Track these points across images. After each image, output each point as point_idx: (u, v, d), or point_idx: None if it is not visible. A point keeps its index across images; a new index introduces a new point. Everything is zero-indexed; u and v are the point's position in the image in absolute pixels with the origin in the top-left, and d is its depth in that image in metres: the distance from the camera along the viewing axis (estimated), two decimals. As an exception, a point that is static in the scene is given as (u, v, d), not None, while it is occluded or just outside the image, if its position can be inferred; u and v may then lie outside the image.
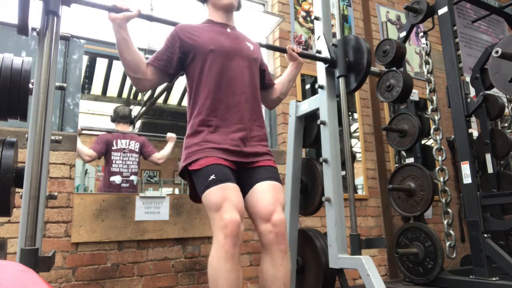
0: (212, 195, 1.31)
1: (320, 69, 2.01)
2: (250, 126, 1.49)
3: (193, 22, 1.61)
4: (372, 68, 1.95)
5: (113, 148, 2.76)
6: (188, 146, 1.45)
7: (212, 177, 1.33)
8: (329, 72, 1.97)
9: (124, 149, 2.79)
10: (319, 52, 2.00)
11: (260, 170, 1.47)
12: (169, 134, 3.00)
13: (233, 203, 1.29)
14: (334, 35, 2.08)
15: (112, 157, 2.74)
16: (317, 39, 2.04)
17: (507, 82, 1.88)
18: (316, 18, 2.08)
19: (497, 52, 1.65)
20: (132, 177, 2.78)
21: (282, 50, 1.99)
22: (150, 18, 1.55)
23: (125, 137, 2.83)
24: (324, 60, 1.96)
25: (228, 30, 1.60)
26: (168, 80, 1.57)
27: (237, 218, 1.25)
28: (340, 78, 1.91)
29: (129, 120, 3.02)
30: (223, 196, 1.29)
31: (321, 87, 1.99)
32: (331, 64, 1.95)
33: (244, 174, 1.46)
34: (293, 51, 1.81)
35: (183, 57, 1.51)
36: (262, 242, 1.37)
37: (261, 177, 1.45)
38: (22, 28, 1.21)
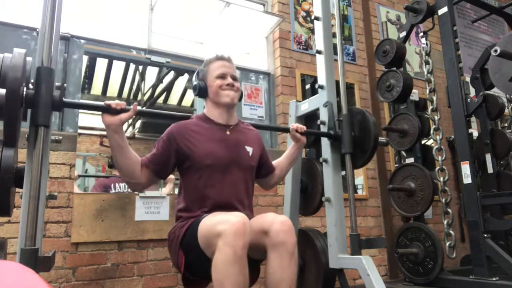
0: (209, 219, 1.28)
1: (324, 144, 1.94)
2: None
3: (192, 119, 1.56)
4: (380, 139, 1.88)
5: (111, 192, 2.77)
6: (175, 232, 1.44)
7: (205, 214, 1.34)
8: (335, 147, 1.90)
9: (123, 192, 2.80)
10: (323, 123, 1.92)
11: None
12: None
13: (233, 213, 1.26)
14: (334, 35, 2.08)
15: None
16: (324, 106, 1.94)
17: (507, 81, 1.88)
18: (316, 18, 2.08)
19: (495, 51, 1.65)
20: None
21: (285, 130, 1.90)
22: (149, 114, 1.51)
23: (123, 180, 2.84)
24: (328, 135, 1.88)
25: (228, 132, 1.56)
26: (162, 179, 1.55)
27: (243, 220, 1.20)
28: (346, 155, 1.86)
29: None
30: (221, 215, 1.27)
31: (321, 87, 1.99)
32: (336, 139, 1.88)
33: None
34: (297, 131, 1.74)
35: (178, 162, 1.49)
36: (271, 242, 1.32)
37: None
38: (11, 140, 1.13)
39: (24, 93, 1.13)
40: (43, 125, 1.16)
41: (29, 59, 1.23)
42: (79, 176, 2.90)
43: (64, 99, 1.24)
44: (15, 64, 1.09)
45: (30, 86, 1.27)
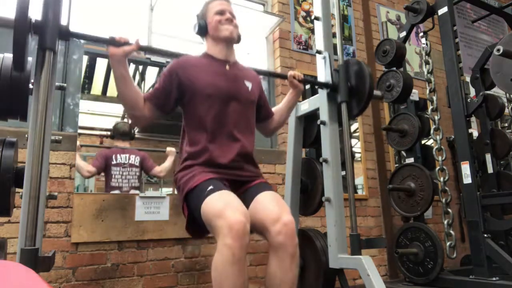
0: (211, 202, 1.27)
1: (322, 96, 1.97)
2: (244, 166, 1.52)
3: (192, 55, 1.60)
4: (375, 93, 1.91)
5: (112, 162, 2.76)
6: (182, 179, 1.46)
7: (210, 187, 1.32)
8: (331, 97, 1.94)
9: (124, 163, 2.79)
10: (323, 122, 1.95)
11: (257, 186, 1.50)
12: (168, 149, 3.00)
13: (235, 206, 1.24)
14: (334, 35, 2.08)
15: (112, 172, 2.74)
16: (322, 58, 1.99)
17: (509, 81, 1.88)
18: (316, 18, 2.08)
19: (498, 50, 1.64)
20: (132, 192, 2.77)
21: (283, 76, 1.94)
22: (150, 50, 1.54)
23: (124, 151, 2.83)
24: (325, 85, 1.92)
25: (228, 67, 1.58)
26: (164, 115, 1.56)
27: (242, 219, 1.19)
28: (342, 104, 1.89)
29: (129, 137, 3.01)
30: (224, 202, 1.26)
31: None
32: (332, 89, 1.92)
33: (242, 195, 1.45)
34: (294, 78, 1.77)
35: (180, 96, 1.52)
36: (271, 243, 1.32)
37: (260, 190, 1.46)
38: (19, 65, 1.16)
39: (33, 20, 1.18)
40: (50, 48, 1.20)
41: (29, 59, 1.23)
42: (82, 146, 2.88)
43: (70, 28, 1.29)
44: None
45: (30, 86, 1.27)
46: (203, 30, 1.61)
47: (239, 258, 1.16)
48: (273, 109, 1.83)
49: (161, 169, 2.93)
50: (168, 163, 2.94)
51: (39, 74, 1.20)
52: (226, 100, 1.51)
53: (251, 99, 1.61)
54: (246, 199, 1.43)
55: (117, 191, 2.71)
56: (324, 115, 1.93)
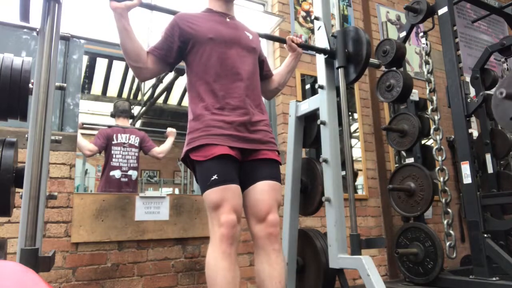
0: (212, 195, 1.34)
1: (319, 63, 2.00)
2: (252, 111, 1.50)
3: (193, 11, 1.62)
4: (372, 60, 1.94)
5: (113, 142, 2.76)
6: (191, 131, 1.45)
7: (214, 177, 1.34)
8: (329, 63, 1.97)
9: (124, 143, 2.79)
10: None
11: (263, 165, 1.48)
12: (169, 129, 3.01)
13: (231, 204, 1.33)
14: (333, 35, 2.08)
15: (112, 152, 2.75)
16: (318, 29, 2.02)
17: (508, 120, 1.86)
18: (316, 18, 2.08)
19: (501, 93, 1.64)
20: (131, 172, 2.77)
21: (281, 40, 1.98)
22: (151, 7, 1.56)
23: (125, 131, 2.83)
24: (323, 51, 1.95)
25: (228, 19, 1.61)
26: (168, 69, 1.58)
27: (234, 220, 1.31)
28: (339, 69, 1.91)
29: (129, 114, 3.02)
30: (223, 197, 1.33)
31: (321, 87, 1.99)
32: (330, 55, 1.94)
33: (248, 166, 1.46)
34: (293, 42, 1.82)
35: (183, 46, 1.52)
36: (256, 242, 1.42)
37: (263, 176, 1.45)
38: (24, 16, 1.19)
39: None
40: None
41: (29, 59, 1.23)
42: (83, 124, 2.88)
43: None
44: None
45: (30, 86, 1.27)
46: None
47: (229, 254, 1.28)
48: (274, 72, 1.85)
49: (160, 150, 2.92)
50: (168, 144, 2.94)
51: (43, 25, 1.22)
52: (228, 44, 1.52)
53: (252, 46, 1.61)
54: (249, 175, 1.45)
55: (117, 171, 2.71)
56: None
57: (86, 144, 2.68)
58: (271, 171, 1.48)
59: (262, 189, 1.44)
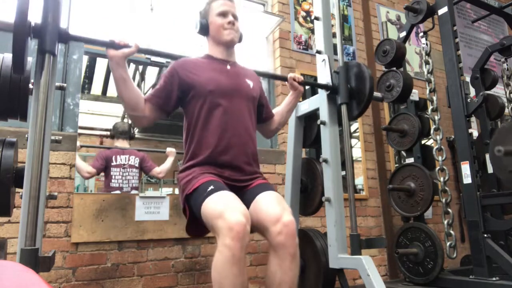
0: (212, 203, 1.28)
1: (322, 98, 1.97)
2: (245, 167, 1.51)
3: (193, 57, 1.60)
4: (375, 94, 1.92)
5: (112, 164, 2.77)
6: (183, 180, 1.46)
7: (211, 188, 1.33)
8: (331, 99, 1.94)
9: (124, 164, 2.80)
10: (323, 123, 1.95)
11: (257, 186, 1.50)
12: (168, 149, 3.01)
13: (235, 207, 1.25)
14: (334, 35, 2.08)
15: (112, 173, 2.75)
16: (321, 61, 1.98)
17: (508, 173, 1.88)
18: (316, 18, 2.08)
19: (499, 151, 1.66)
20: (133, 192, 2.78)
21: (283, 78, 1.96)
22: (150, 52, 1.54)
23: (124, 152, 2.83)
24: (325, 87, 1.92)
25: (228, 67, 1.59)
26: (165, 116, 1.56)
27: (243, 220, 1.19)
28: (342, 106, 1.89)
29: (128, 135, 3.02)
30: (224, 202, 1.27)
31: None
32: (332, 91, 1.92)
33: (243, 195, 1.45)
34: (294, 80, 1.78)
35: (182, 95, 1.51)
36: (271, 243, 1.32)
37: (261, 191, 1.46)
38: (18, 68, 1.14)
39: (32, 24, 1.17)
40: (50, 51, 1.19)
41: (29, 59, 1.23)
42: (82, 146, 2.89)
43: (70, 31, 1.29)
44: None
45: (30, 86, 1.27)
46: (204, 30, 1.61)
47: (239, 259, 1.17)
48: (274, 111, 1.83)
49: (160, 170, 2.93)
50: (167, 164, 2.94)
51: (38, 77, 1.19)
52: (228, 96, 1.51)
53: (253, 95, 1.60)
54: (247, 199, 1.43)
55: (117, 191, 2.72)
56: (324, 116, 1.93)
57: (85, 166, 2.68)
58: (265, 187, 1.50)
59: (266, 198, 1.42)
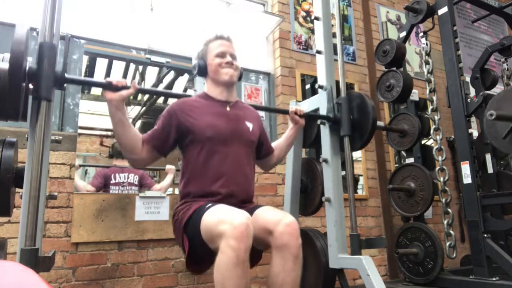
0: (211, 214, 1.27)
1: (324, 133, 1.95)
2: (241, 205, 1.49)
3: (192, 97, 1.58)
4: (378, 123, 1.91)
5: (111, 182, 2.76)
6: (179, 212, 1.45)
7: (208, 205, 1.33)
8: (333, 130, 1.92)
9: (123, 182, 2.79)
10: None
11: (254, 207, 1.50)
12: (168, 166, 3.00)
13: (237, 211, 1.24)
14: (334, 35, 2.08)
15: (111, 191, 2.74)
16: (325, 90, 1.97)
17: (501, 139, 1.89)
18: (316, 18, 2.08)
19: (491, 115, 1.67)
20: None
21: (284, 112, 1.93)
22: (149, 92, 1.53)
23: (123, 171, 2.83)
24: (328, 119, 1.91)
25: (228, 108, 1.57)
26: (163, 156, 1.55)
27: (246, 221, 1.19)
28: (344, 138, 1.88)
29: None
30: (224, 211, 1.26)
31: (321, 87, 1.99)
32: (335, 123, 1.91)
33: None
34: (296, 114, 1.75)
35: (180, 138, 1.51)
36: (275, 244, 1.31)
37: (258, 207, 1.47)
38: (14, 113, 1.13)
39: (27, 67, 1.14)
40: (46, 98, 1.16)
41: (29, 58, 1.23)
42: (80, 166, 2.89)
43: (66, 75, 1.25)
44: (18, 38, 1.09)
45: (31, 86, 1.27)
46: (202, 71, 1.59)
47: (243, 260, 1.15)
48: (273, 145, 1.82)
49: (160, 187, 2.93)
50: (167, 181, 2.94)
51: (34, 123, 1.16)
52: (226, 142, 1.50)
53: (251, 139, 1.60)
54: None
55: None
56: (326, 151, 1.91)
57: (84, 185, 2.68)
58: (260, 205, 1.51)
59: (263, 209, 1.44)
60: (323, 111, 1.94)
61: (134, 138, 1.40)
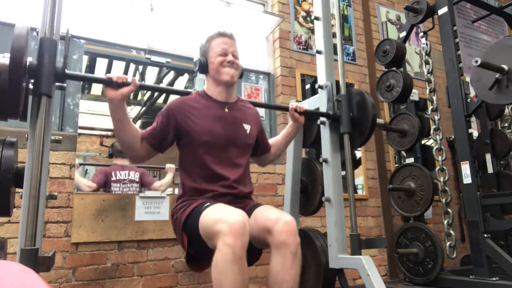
0: (209, 213, 1.30)
1: (324, 131, 1.95)
2: (237, 205, 1.50)
3: (190, 97, 1.57)
4: (378, 121, 1.90)
5: (112, 179, 2.77)
6: (178, 211, 1.47)
7: (206, 204, 1.35)
8: (333, 127, 1.92)
9: (124, 179, 2.80)
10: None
11: (252, 206, 1.52)
12: (168, 165, 3.01)
13: (233, 210, 1.27)
14: (334, 35, 2.08)
15: (112, 188, 2.74)
16: (325, 87, 1.97)
17: (487, 90, 1.91)
18: (316, 18, 2.08)
19: (476, 61, 1.68)
20: None
21: (284, 109, 1.93)
22: (150, 88, 1.54)
23: (124, 168, 2.84)
24: (327, 116, 1.90)
25: (226, 110, 1.57)
26: (160, 152, 1.56)
27: (242, 219, 1.21)
28: (344, 135, 1.88)
29: None
30: (221, 210, 1.29)
31: (321, 87, 1.99)
32: (334, 120, 1.90)
33: None
34: (296, 111, 1.75)
35: (177, 137, 1.53)
36: (274, 243, 1.32)
37: (257, 206, 1.49)
38: (14, 111, 1.13)
39: (27, 63, 1.14)
40: (46, 94, 1.16)
41: (29, 59, 1.23)
42: (80, 164, 2.89)
43: (66, 70, 1.25)
44: (18, 34, 1.09)
45: (31, 86, 1.27)
46: (204, 68, 1.58)
47: (240, 257, 1.16)
48: (270, 141, 1.82)
49: (160, 184, 2.94)
50: (167, 178, 2.95)
51: (34, 121, 1.15)
52: (223, 146, 1.52)
53: (248, 142, 1.61)
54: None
55: None
56: (326, 149, 1.91)
57: (85, 181, 2.69)
58: (259, 204, 1.53)
59: (261, 208, 1.46)
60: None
61: (133, 136, 1.42)
